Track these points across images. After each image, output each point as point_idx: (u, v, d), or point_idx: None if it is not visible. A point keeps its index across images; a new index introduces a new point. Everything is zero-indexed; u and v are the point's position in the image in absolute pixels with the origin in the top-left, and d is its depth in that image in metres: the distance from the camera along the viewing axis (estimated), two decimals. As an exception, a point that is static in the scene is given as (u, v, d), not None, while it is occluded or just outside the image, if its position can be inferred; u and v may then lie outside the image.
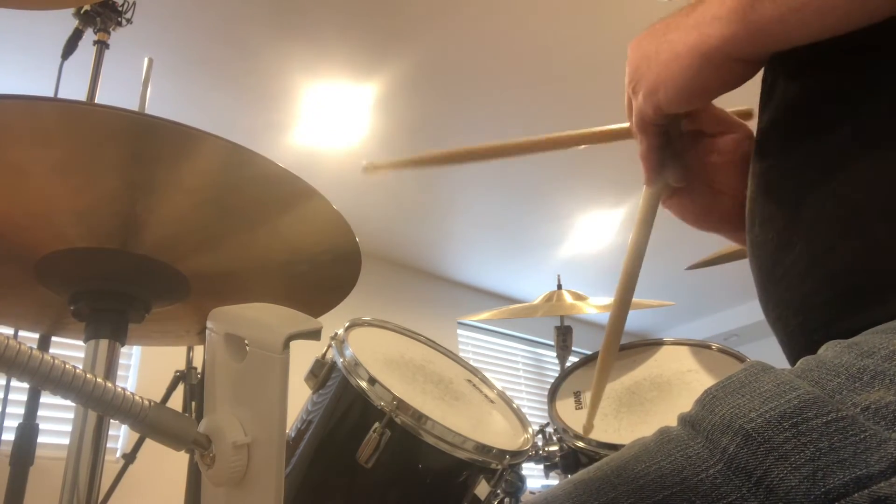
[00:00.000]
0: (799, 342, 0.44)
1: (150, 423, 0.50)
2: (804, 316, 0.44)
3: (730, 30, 0.43)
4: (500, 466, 0.91)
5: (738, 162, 0.58)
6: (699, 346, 1.22)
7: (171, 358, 1.97)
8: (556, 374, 1.29)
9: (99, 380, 0.49)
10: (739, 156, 0.58)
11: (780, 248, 0.45)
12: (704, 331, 4.97)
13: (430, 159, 0.79)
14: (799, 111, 0.46)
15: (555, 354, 1.91)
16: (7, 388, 1.44)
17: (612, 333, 0.66)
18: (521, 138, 0.69)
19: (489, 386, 1.16)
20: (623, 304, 0.64)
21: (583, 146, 0.72)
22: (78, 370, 0.48)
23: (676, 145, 0.59)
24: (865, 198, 0.40)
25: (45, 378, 0.46)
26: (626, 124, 0.70)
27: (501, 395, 1.15)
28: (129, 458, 1.80)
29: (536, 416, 4.10)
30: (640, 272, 0.63)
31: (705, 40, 0.45)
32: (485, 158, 0.74)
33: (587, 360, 1.30)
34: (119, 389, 0.50)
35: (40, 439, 1.27)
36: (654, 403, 1.10)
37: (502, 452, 0.91)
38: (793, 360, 0.45)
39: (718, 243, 0.97)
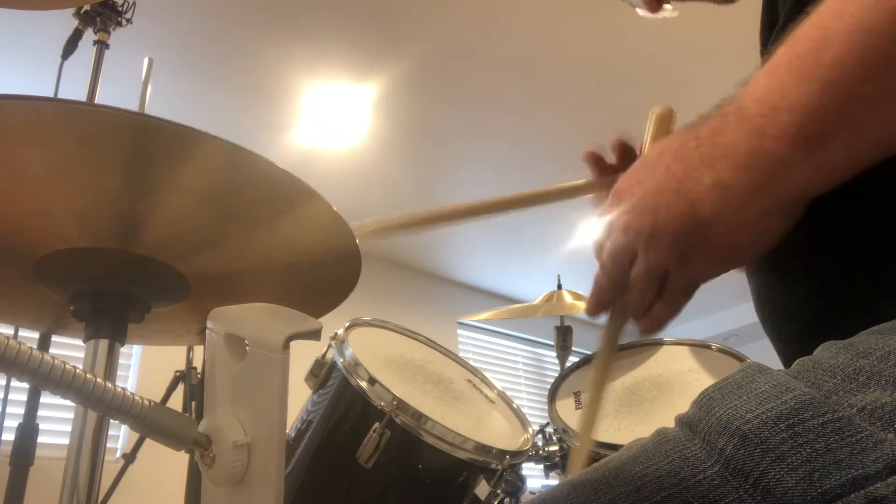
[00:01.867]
0: (794, 348, 0.44)
1: (150, 423, 0.50)
2: (799, 323, 0.44)
3: (799, 185, 0.39)
4: (500, 466, 0.91)
5: None
6: (699, 346, 1.22)
7: (171, 358, 1.97)
8: (556, 374, 1.29)
9: (99, 380, 0.49)
10: None
11: (777, 256, 0.45)
12: (704, 331, 4.96)
13: (419, 220, 0.77)
14: None
15: (555, 354, 1.91)
16: (7, 388, 1.44)
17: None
18: (503, 195, 0.69)
19: (489, 386, 1.16)
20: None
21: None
22: (78, 370, 0.48)
23: None
24: (867, 207, 0.40)
25: (45, 378, 0.46)
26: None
27: (501, 395, 1.15)
28: (129, 458, 1.80)
29: (536, 416, 4.10)
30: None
31: (776, 204, 0.41)
32: (475, 215, 0.73)
33: (587, 360, 1.30)
34: (119, 389, 0.50)
35: (40, 439, 1.28)
36: (654, 403, 1.10)
37: (502, 452, 0.91)
38: (788, 365, 0.45)
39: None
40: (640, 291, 0.47)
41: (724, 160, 0.41)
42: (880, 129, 0.36)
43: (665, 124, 0.46)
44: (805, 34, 0.38)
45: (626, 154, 0.70)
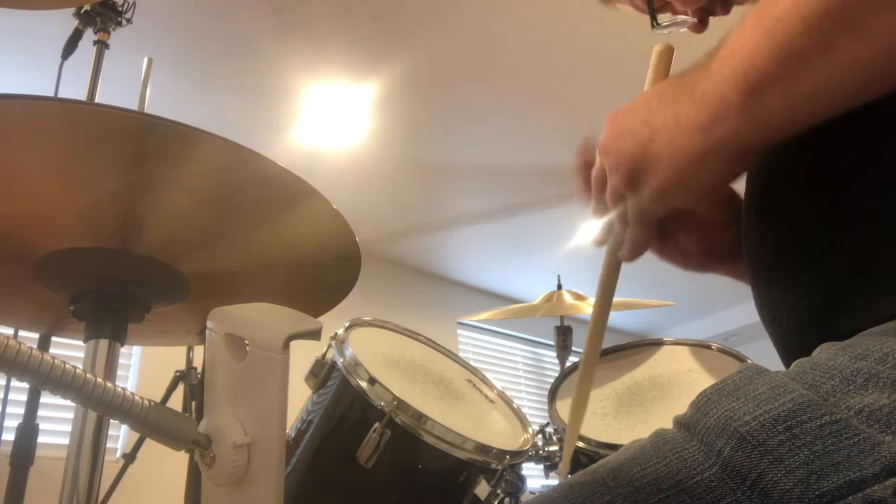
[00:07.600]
0: (793, 344, 0.44)
1: (150, 423, 0.51)
2: (798, 318, 0.44)
3: (737, 130, 0.41)
4: (500, 466, 0.91)
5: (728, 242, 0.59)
6: (699, 346, 1.22)
7: (171, 358, 1.97)
8: (556, 374, 1.29)
9: (99, 380, 0.49)
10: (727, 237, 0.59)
11: (776, 253, 0.45)
12: (704, 331, 4.96)
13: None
14: None
15: (555, 354, 1.91)
16: (7, 388, 1.44)
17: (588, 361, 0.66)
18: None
19: (489, 386, 1.16)
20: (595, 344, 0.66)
21: None
22: (78, 370, 0.48)
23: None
24: (863, 203, 0.40)
25: (45, 378, 0.46)
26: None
27: (501, 395, 1.15)
28: (129, 458, 1.80)
29: (536, 416, 4.10)
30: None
31: (714, 145, 0.43)
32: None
33: (587, 360, 1.30)
34: (119, 389, 0.50)
35: (40, 439, 1.28)
36: (654, 403, 1.10)
37: (502, 452, 0.91)
38: (787, 361, 0.45)
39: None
40: (613, 210, 0.54)
41: (687, 98, 0.44)
42: (813, 84, 0.38)
43: (665, 62, 0.53)
44: None
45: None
